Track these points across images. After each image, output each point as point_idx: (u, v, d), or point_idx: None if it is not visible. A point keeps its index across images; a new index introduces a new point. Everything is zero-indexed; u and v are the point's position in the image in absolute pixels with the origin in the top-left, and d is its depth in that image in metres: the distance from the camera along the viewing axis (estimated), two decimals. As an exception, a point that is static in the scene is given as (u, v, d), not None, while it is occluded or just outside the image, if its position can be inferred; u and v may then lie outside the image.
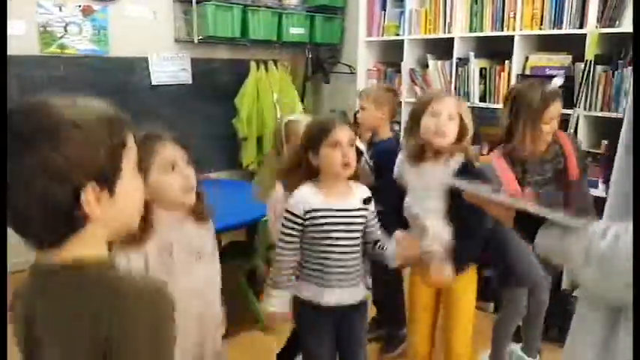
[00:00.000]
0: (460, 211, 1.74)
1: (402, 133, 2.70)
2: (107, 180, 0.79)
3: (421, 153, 1.88)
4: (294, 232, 1.70)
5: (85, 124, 0.77)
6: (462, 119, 1.85)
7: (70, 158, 0.74)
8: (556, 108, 2.05)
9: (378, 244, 1.79)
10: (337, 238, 1.70)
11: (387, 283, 2.47)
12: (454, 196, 1.74)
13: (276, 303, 1.74)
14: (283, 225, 1.71)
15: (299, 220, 1.68)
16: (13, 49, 3.38)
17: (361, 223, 1.75)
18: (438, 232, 1.85)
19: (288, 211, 1.70)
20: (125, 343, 0.78)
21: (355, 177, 1.75)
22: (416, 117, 1.88)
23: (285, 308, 1.75)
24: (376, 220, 1.81)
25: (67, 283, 0.80)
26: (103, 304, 0.78)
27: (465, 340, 2.00)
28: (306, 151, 1.72)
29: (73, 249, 0.80)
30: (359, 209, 1.74)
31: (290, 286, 1.76)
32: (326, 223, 1.69)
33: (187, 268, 1.48)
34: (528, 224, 0.94)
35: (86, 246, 0.81)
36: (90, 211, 0.77)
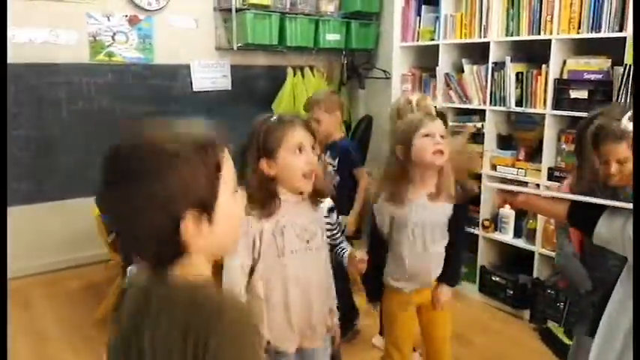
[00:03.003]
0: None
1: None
2: (206, 208, 0.80)
3: (407, 182, 1.89)
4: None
5: (182, 154, 0.78)
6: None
7: (171, 189, 0.77)
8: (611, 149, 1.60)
9: (339, 248, 1.85)
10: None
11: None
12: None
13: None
14: None
15: None
16: (65, 57, 3.59)
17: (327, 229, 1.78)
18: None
19: None
20: None
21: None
22: (404, 142, 1.87)
23: None
24: (339, 228, 1.88)
25: (171, 300, 0.83)
26: (201, 323, 0.79)
27: (446, 351, 2.11)
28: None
29: (177, 269, 0.84)
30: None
31: None
32: None
33: (296, 253, 1.57)
34: (584, 217, 1.01)
35: (190, 266, 0.84)
36: (189, 239, 0.80)
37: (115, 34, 3.75)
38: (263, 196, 1.51)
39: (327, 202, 1.90)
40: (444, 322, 2.10)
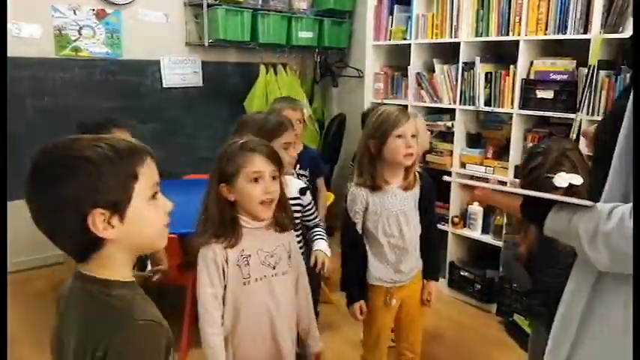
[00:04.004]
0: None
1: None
2: (116, 207, 0.89)
3: (384, 177, 1.96)
4: None
5: (97, 160, 0.86)
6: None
7: (80, 188, 0.85)
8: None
9: (313, 231, 2.05)
10: None
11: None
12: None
13: None
14: None
15: None
16: (29, 51, 3.49)
17: (298, 211, 1.95)
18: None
19: None
20: None
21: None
22: (377, 138, 1.93)
23: None
24: (313, 208, 2.07)
25: (86, 292, 0.93)
26: (103, 321, 0.89)
27: (419, 342, 2.20)
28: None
29: (96, 265, 0.93)
30: (294, 198, 1.92)
31: None
32: None
33: (262, 280, 1.56)
34: (535, 211, 1.05)
35: (107, 263, 0.93)
36: (98, 233, 0.88)
37: (81, 28, 3.66)
38: (221, 220, 1.52)
39: (299, 183, 2.02)
40: (421, 314, 2.18)
